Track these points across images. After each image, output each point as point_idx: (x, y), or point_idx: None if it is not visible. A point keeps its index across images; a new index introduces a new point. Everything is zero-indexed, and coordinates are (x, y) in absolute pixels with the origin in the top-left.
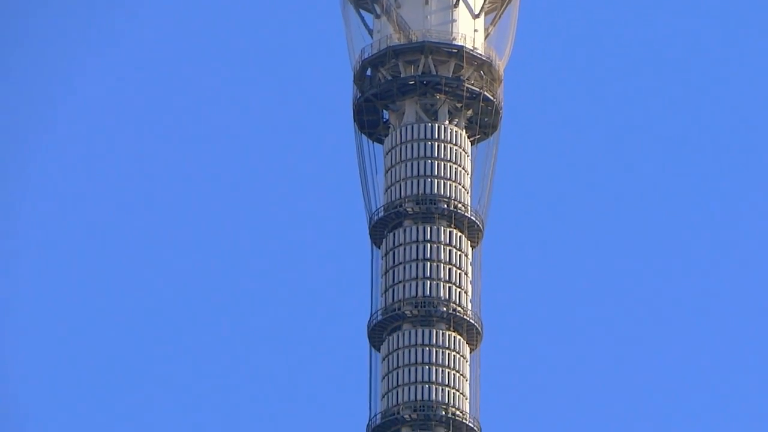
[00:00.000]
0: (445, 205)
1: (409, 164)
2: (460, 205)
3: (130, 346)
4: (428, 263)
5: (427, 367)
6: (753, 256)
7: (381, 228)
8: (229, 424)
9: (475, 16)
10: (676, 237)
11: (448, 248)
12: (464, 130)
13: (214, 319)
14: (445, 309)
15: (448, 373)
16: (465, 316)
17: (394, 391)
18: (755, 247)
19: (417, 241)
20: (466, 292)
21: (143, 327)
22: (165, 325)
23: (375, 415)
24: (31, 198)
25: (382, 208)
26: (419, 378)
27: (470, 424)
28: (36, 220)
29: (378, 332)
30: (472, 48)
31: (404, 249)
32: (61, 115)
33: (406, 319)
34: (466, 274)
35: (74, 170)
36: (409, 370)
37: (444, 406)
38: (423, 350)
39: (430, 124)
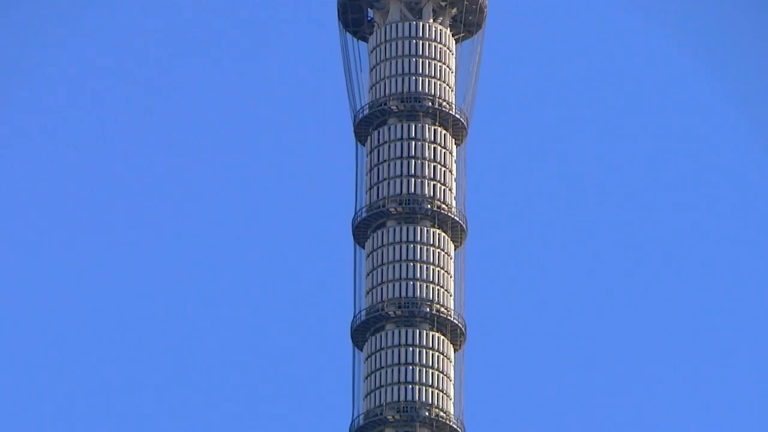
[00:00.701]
0: (430, 103)
1: (393, 62)
2: (444, 103)
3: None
4: (413, 161)
5: (411, 263)
6: (744, 248)
7: (366, 126)
8: (209, 422)
9: None
10: (663, 160)
11: (432, 146)
12: (449, 29)
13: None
14: (429, 206)
15: (433, 269)
16: (450, 214)
17: (379, 287)
18: (746, 240)
19: (401, 139)
20: (450, 190)
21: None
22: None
23: (360, 312)
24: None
25: (367, 106)
26: (403, 275)
27: (454, 425)
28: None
29: (363, 229)
30: None
31: (389, 147)
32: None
33: (391, 216)
34: (450, 171)
35: (70, 169)
36: (394, 267)
37: (429, 304)
38: (407, 247)
39: (414, 23)
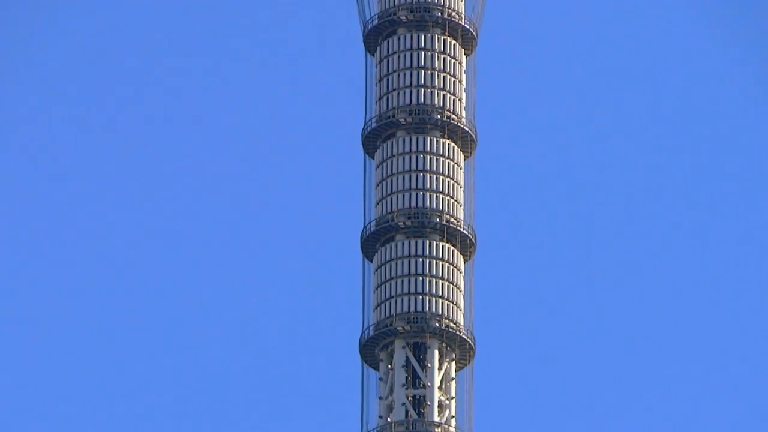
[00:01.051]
0: (439, 13)
1: None
2: (453, 13)
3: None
4: (422, 71)
5: (421, 174)
6: (746, 249)
7: (375, 36)
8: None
9: None
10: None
11: (442, 56)
12: None
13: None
14: (439, 116)
15: (443, 179)
16: (460, 124)
17: (389, 198)
18: (748, 240)
19: (411, 49)
20: (460, 101)
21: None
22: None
23: (369, 222)
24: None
25: (376, 16)
26: (413, 185)
27: (464, 336)
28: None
29: (372, 140)
30: None
31: (398, 57)
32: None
33: (401, 127)
34: (460, 82)
35: (68, 166)
36: (404, 177)
37: (439, 214)
38: (417, 157)
39: None
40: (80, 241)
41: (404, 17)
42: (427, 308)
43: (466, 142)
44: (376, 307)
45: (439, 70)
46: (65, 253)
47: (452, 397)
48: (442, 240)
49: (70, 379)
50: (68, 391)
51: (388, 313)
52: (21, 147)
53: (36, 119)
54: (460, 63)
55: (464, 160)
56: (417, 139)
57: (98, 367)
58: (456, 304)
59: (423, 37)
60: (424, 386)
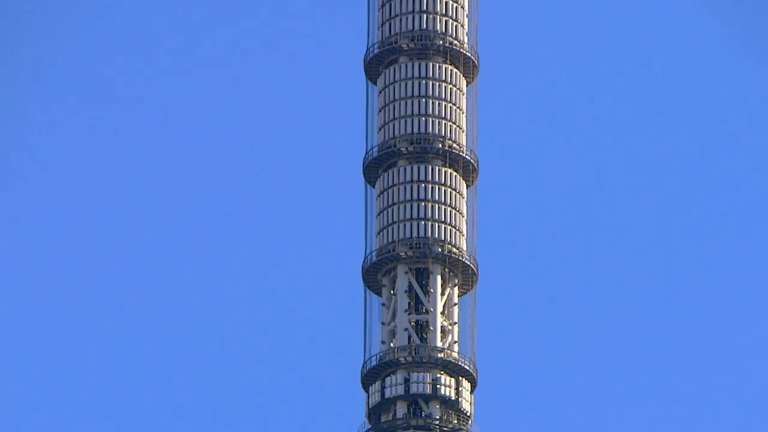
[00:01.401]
0: None
1: None
2: None
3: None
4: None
5: (423, 99)
6: (747, 249)
7: None
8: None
9: None
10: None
11: None
12: None
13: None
14: (441, 42)
15: (445, 105)
16: (462, 50)
17: (391, 124)
18: (749, 240)
19: None
20: (462, 26)
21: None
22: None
23: (372, 148)
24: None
25: None
26: (415, 111)
27: (466, 261)
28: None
29: (374, 66)
30: None
31: None
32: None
33: (403, 53)
34: (462, 7)
35: (69, 165)
36: (406, 103)
37: (441, 140)
38: (419, 83)
39: None
40: (80, 241)
41: None
42: (430, 233)
43: (468, 67)
44: (379, 233)
45: (441, 2)
46: (65, 253)
47: (455, 323)
48: (444, 165)
49: (70, 379)
50: (68, 391)
51: (390, 239)
52: (21, 147)
53: (35, 119)
54: None
55: (467, 85)
56: (419, 64)
57: (98, 366)
58: (458, 230)
59: None
60: (427, 311)
